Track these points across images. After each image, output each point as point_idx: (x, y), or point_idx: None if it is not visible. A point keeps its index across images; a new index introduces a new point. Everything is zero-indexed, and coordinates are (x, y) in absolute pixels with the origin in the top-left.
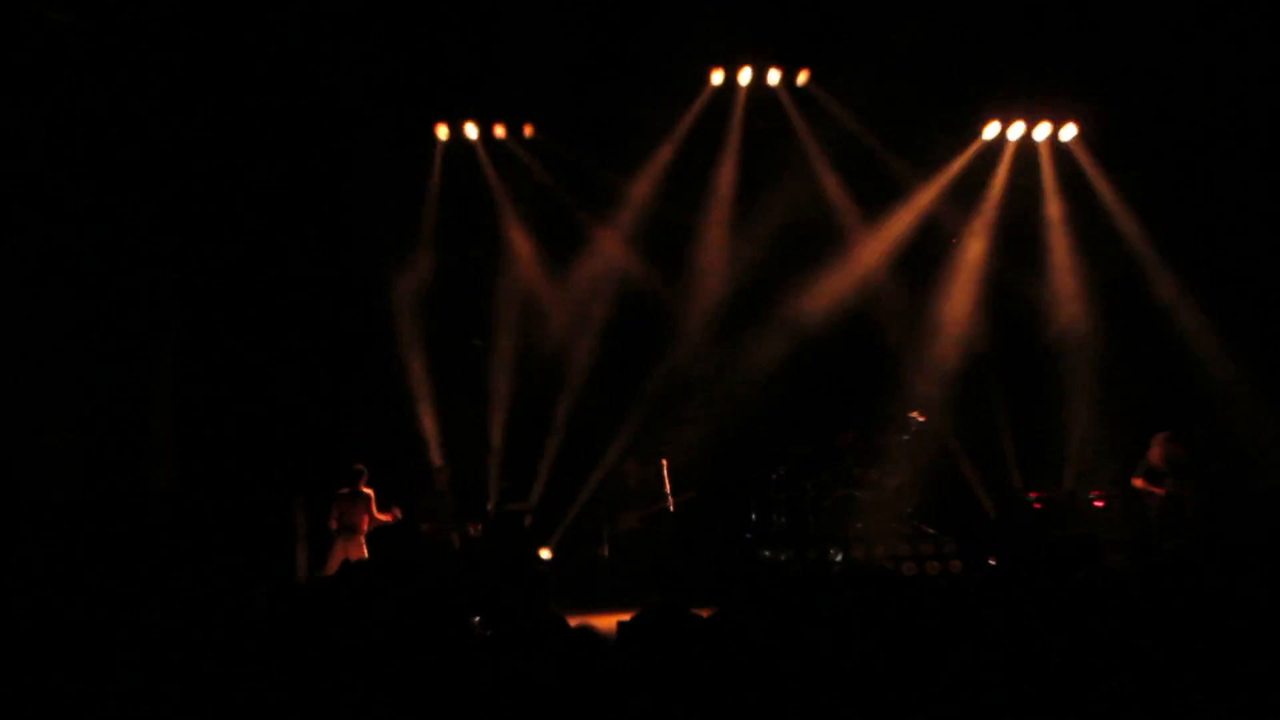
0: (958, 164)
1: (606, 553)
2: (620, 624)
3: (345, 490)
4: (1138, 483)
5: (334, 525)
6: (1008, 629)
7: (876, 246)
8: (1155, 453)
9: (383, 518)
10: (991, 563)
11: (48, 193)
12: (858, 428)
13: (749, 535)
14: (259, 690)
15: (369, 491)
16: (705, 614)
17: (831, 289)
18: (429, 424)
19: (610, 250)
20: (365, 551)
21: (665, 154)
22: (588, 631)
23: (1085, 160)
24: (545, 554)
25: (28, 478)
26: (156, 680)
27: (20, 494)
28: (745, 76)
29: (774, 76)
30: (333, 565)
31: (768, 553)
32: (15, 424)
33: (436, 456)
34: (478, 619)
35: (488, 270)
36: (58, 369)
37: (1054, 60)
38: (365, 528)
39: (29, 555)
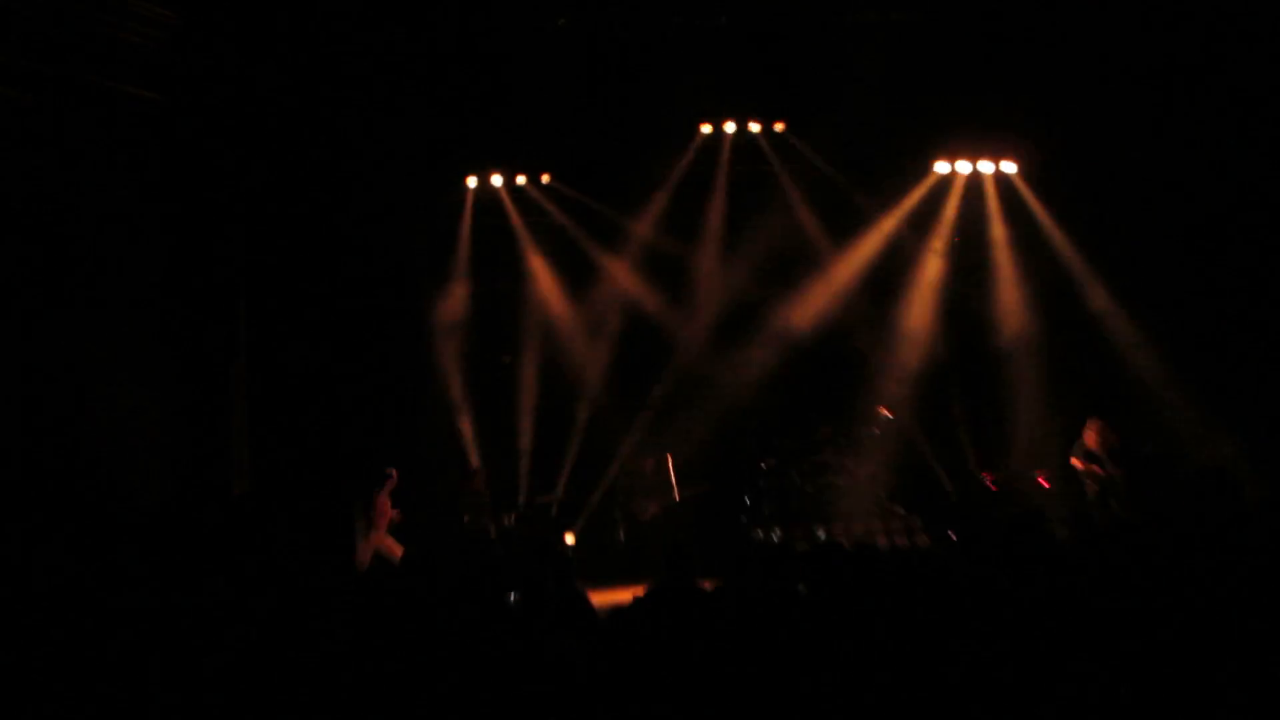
0: (915, 196)
1: (622, 536)
2: (635, 597)
3: (380, 491)
4: (1075, 463)
5: (377, 521)
6: (971, 591)
7: (847, 268)
8: (1090, 437)
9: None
10: (952, 536)
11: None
12: (833, 422)
13: (743, 518)
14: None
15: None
16: (709, 586)
17: (810, 305)
18: (467, 430)
19: (619, 278)
20: (393, 543)
21: (663, 195)
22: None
23: (1024, 190)
24: (569, 539)
25: (123, 482)
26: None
27: (116, 496)
28: (730, 128)
29: (755, 127)
30: (366, 557)
31: (759, 532)
32: (114, 434)
33: (474, 458)
34: (513, 595)
35: (514, 297)
36: (151, 387)
37: (994, 109)
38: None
39: (126, 553)
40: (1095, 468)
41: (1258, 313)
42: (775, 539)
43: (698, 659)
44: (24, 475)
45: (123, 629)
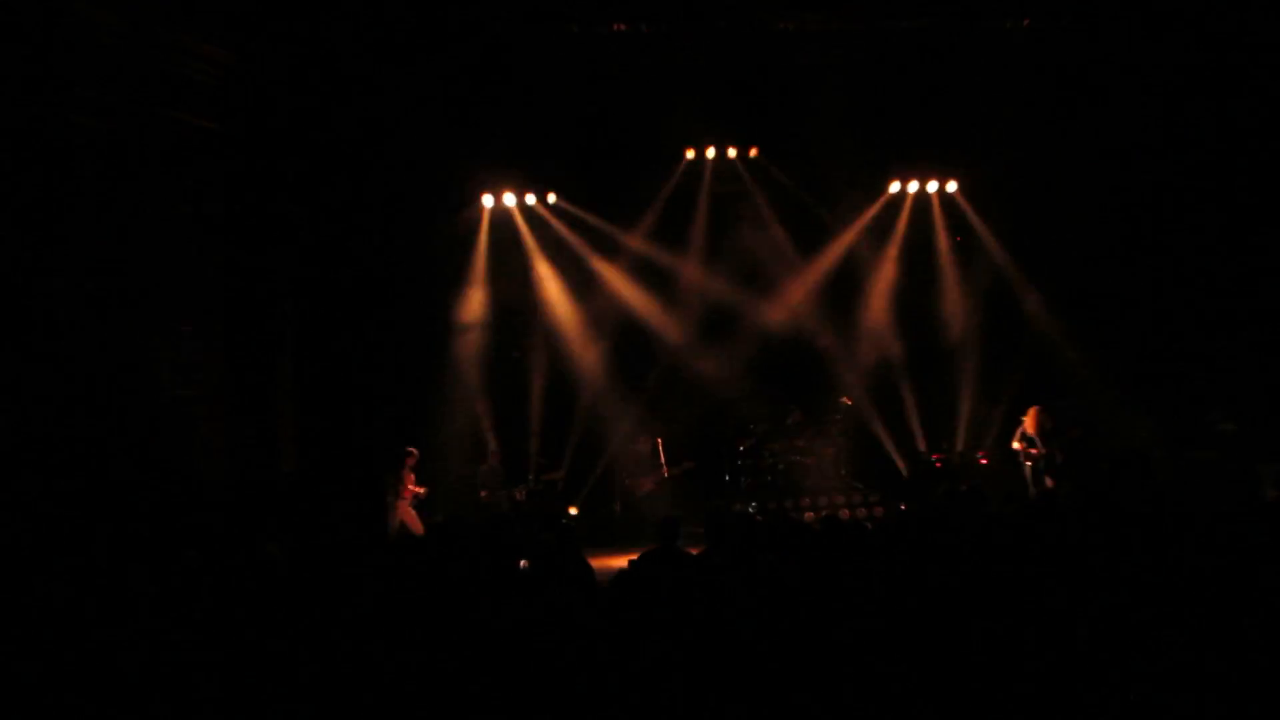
0: (871, 212)
1: (619, 509)
2: (630, 561)
3: (403, 468)
4: (1016, 445)
5: (404, 494)
6: (920, 553)
7: (813, 274)
8: (1029, 422)
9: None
10: (903, 508)
11: (206, 236)
12: (801, 408)
13: (719, 494)
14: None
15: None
16: (694, 552)
17: (780, 307)
18: (484, 415)
19: (615, 283)
20: (414, 517)
21: (653, 211)
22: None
23: (966, 206)
24: (573, 511)
25: (185, 460)
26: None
27: (179, 473)
28: (711, 153)
29: (732, 152)
30: (393, 525)
31: (737, 505)
32: (178, 419)
33: (490, 440)
34: (523, 561)
35: (524, 300)
36: (210, 378)
37: (938, 135)
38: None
39: (188, 525)
40: (1031, 449)
41: (1171, 310)
42: (751, 511)
43: (686, 613)
44: (99, 453)
45: (190, 591)
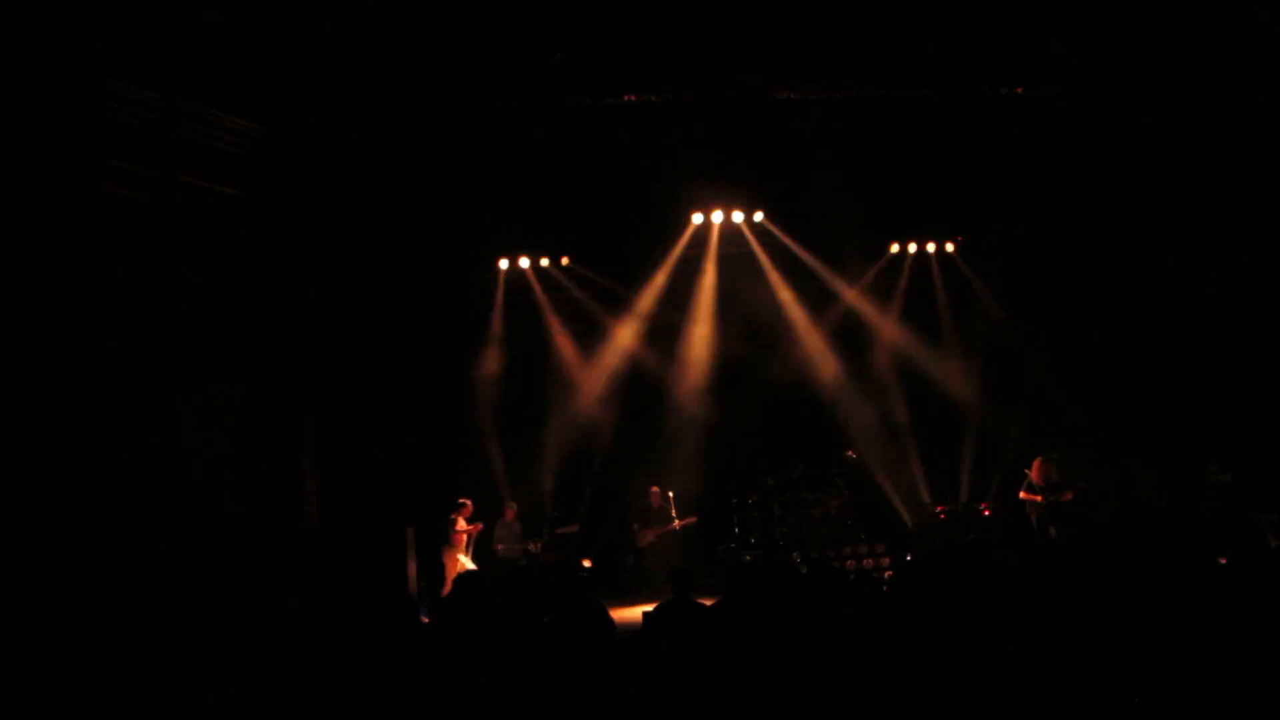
0: (873, 272)
1: (631, 561)
2: (644, 613)
3: (456, 515)
4: (1023, 495)
5: (455, 541)
6: (928, 602)
7: (816, 333)
8: (1035, 473)
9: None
10: (909, 559)
11: (235, 298)
12: (805, 461)
13: (731, 545)
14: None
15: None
16: (708, 603)
17: (786, 364)
18: (500, 471)
19: (626, 342)
20: (461, 566)
21: (663, 273)
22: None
23: (963, 265)
24: (586, 564)
25: (213, 522)
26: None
27: (205, 534)
28: (718, 217)
29: (738, 216)
30: (451, 573)
31: (747, 557)
32: (203, 478)
33: (506, 495)
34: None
35: (538, 359)
36: (236, 436)
37: (936, 199)
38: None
39: (212, 571)
40: (1037, 498)
41: (1168, 364)
42: (760, 563)
43: (702, 662)
44: (127, 512)
45: (207, 638)
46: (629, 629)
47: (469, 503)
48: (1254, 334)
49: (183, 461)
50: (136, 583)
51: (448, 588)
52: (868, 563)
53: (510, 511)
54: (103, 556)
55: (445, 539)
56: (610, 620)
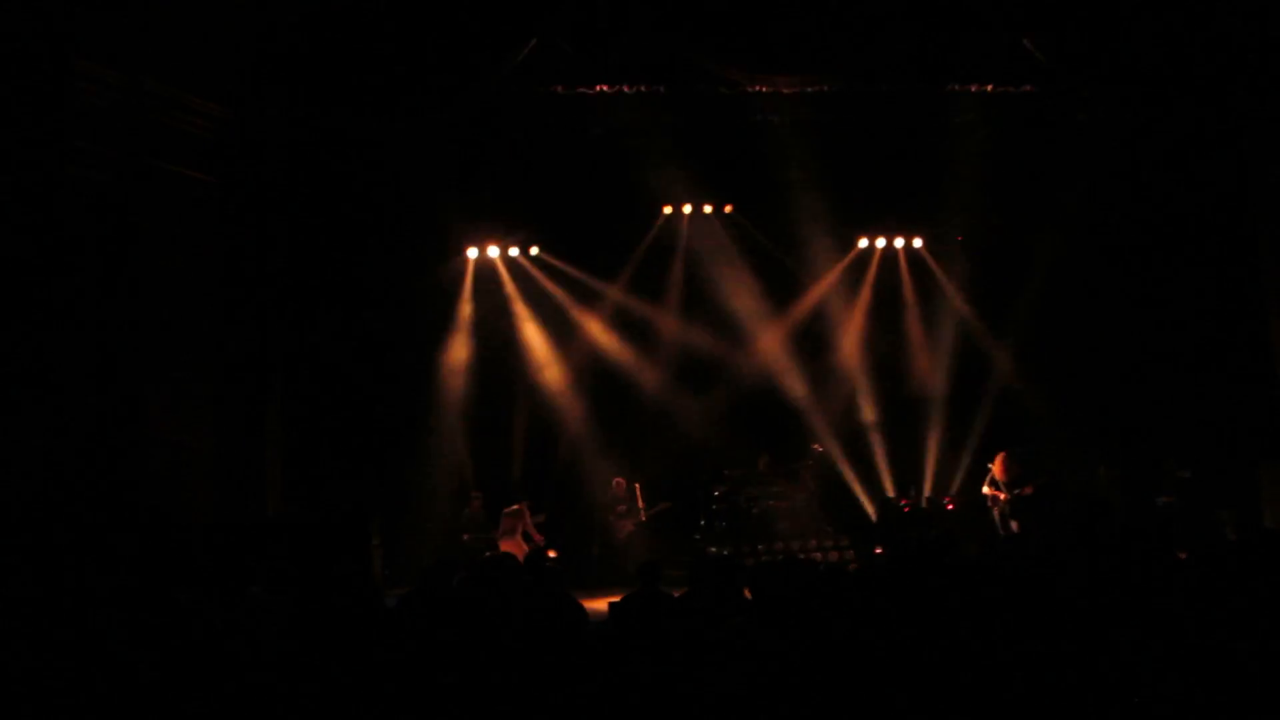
0: (840, 266)
1: (597, 551)
2: (611, 603)
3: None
4: (985, 490)
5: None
6: (894, 596)
7: (784, 326)
8: (996, 468)
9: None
10: (878, 552)
11: (200, 283)
12: (770, 454)
13: (697, 536)
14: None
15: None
16: (677, 594)
17: (753, 357)
18: (466, 460)
19: (594, 333)
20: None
21: (633, 264)
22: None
23: (930, 260)
24: (552, 554)
25: (175, 507)
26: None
27: (165, 517)
28: (688, 209)
29: (708, 209)
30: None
31: (713, 549)
32: (166, 463)
33: (473, 484)
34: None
35: (507, 348)
36: (202, 423)
37: (904, 194)
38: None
39: (175, 560)
40: (1000, 494)
41: (1129, 360)
42: (726, 554)
43: (671, 656)
44: (90, 496)
45: (168, 628)
46: (595, 619)
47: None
48: (1215, 333)
49: (146, 449)
50: (98, 571)
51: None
52: (833, 555)
53: (477, 501)
54: (65, 544)
55: (510, 532)
56: (582, 611)
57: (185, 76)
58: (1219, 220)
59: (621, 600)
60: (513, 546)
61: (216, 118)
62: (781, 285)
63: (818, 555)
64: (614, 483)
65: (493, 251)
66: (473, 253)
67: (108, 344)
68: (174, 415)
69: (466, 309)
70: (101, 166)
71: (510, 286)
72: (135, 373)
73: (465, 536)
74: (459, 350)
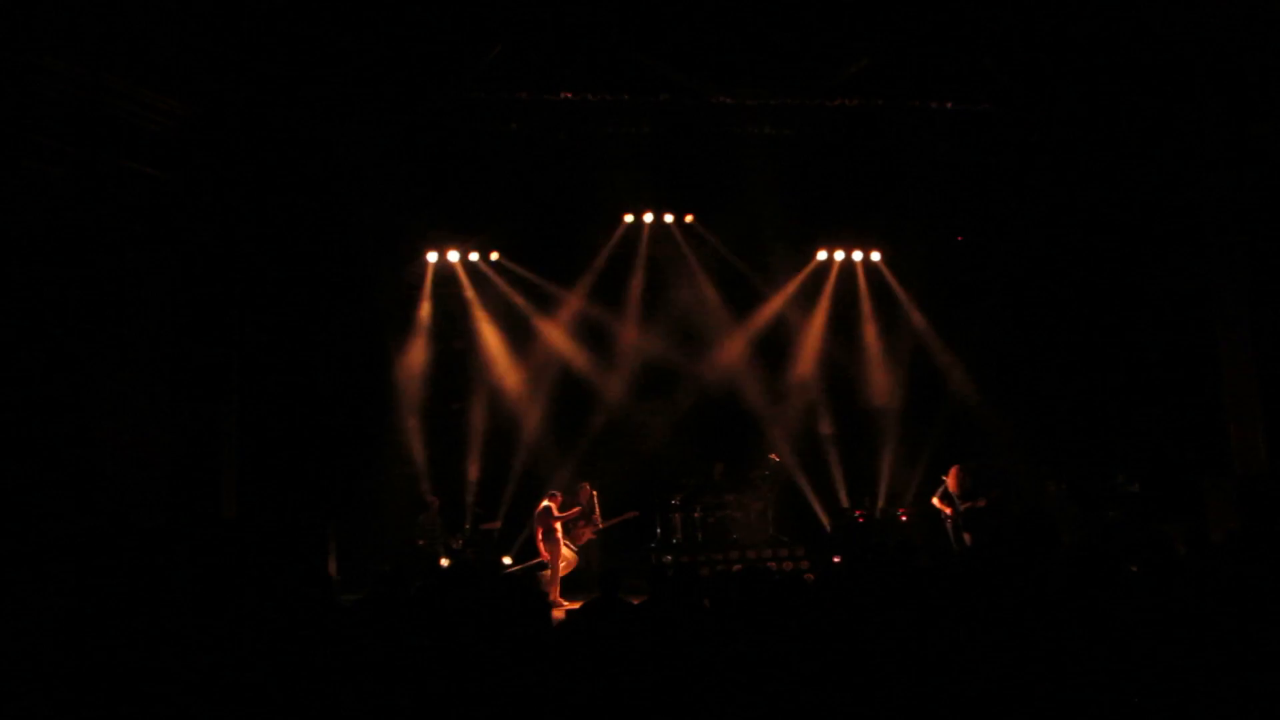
0: (799, 278)
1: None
2: (569, 611)
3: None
4: (937, 502)
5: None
6: (847, 603)
7: (743, 335)
8: (950, 480)
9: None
10: (836, 560)
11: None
12: (724, 463)
13: (653, 545)
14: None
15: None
16: (636, 601)
17: (711, 366)
18: (422, 466)
19: (553, 339)
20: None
21: (593, 272)
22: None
23: (887, 274)
24: (507, 560)
25: (124, 506)
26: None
27: (119, 520)
28: (649, 218)
29: (669, 218)
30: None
31: (668, 557)
32: (116, 462)
33: (428, 490)
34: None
35: (465, 354)
36: (156, 422)
37: (863, 207)
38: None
39: (126, 564)
40: (952, 507)
41: (1080, 376)
42: (683, 564)
43: (631, 663)
44: (36, 496)
45: (122, 635)
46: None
47: (559, 494)
48: (1163, 351)
49: (97, 450)
50: (49, 572)
51: (561, 574)
52: (787, 565)
53: (434, 506)
54: (15, 545)
55: (547, 532)
56: (548, 618)
57: (145, 72)
58: (1169, 241)
59: (581, 608)
60: (556, 548)
61: (176, 115)
62: (741, 295)
63: (772, 564)
64: (582, 487)
65: (453, 256)
66: (432, 256)
67: (59, 341)
68: (127, 416)
69: (425, 313)
70: (58, 162)
71: (470, 291)
72: (87, 372)
73: (420, 542)
74: (417, 354)
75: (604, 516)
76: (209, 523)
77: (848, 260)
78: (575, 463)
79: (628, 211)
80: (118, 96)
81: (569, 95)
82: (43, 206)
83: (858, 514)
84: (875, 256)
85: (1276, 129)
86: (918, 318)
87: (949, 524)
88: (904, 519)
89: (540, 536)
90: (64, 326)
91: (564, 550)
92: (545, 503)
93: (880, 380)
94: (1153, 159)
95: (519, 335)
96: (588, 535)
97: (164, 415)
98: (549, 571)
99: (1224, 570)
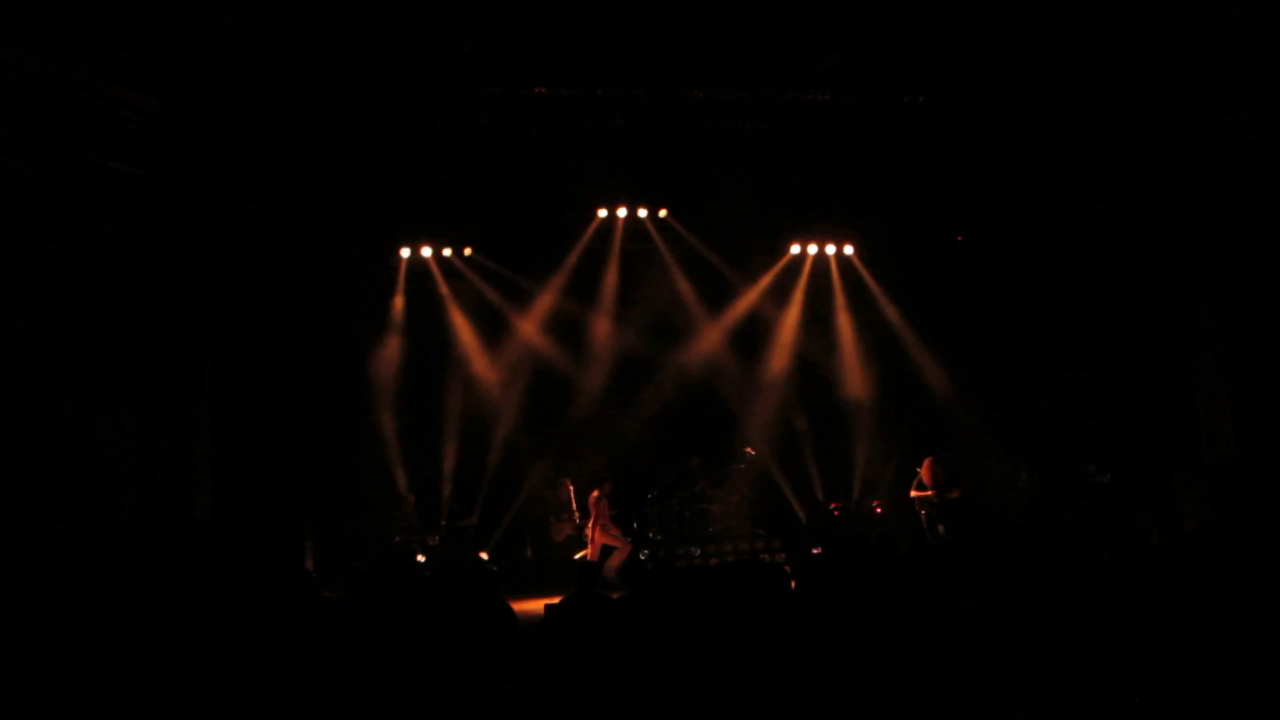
0: (773, 272)
1: (530, 554)
2: (546, 605)
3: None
4: (913, 493)
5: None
6: (828, 593)
7: (717, 330)
8: (924, 472)
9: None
10: (816, 552)
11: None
12: (701, 456)
13: (631, 539)
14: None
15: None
16: (615, 596)
17: (687, 360)
18: (398, 462)
19: (528, 335)
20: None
21: (566, 267)
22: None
23: (861, 268)
24: (483, 556)
25: (98, 500)
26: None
27: (88, 520)
28: (622, 212)
29: (643, 212)
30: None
31: (645, 552)
32: (89, 460)
33: (404, 486)
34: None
35: (439, 350)
36: (129, 422)
37: (836, 201)
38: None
39: (99, 565)
40: (928, 495)
41: (1052, 368)
42: (660, 557)
43: (608, 652)
44: (7, 493)
45: (93, 637)
46: (529, 621)
47: (609, 481)
48: (1133, 342)
49: (68, 449)
50: (19, 576)
51: (619, 560)
52: (764, 558)
53: (409, 502)
54: None
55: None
56: (512, 613)
57: (114, 67)
58: (1137, 234)
59: (559, 602)
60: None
61: (145, 109)
62: (715, 289)
63: (765, 557)
64: (564, 484)
65: (426, 251)
66: (406, 252)
67: (27, 339)
68: (98, 415)
69: (399, 308)
70: (25, 156)
71: (443, 286)
72: (56, 371)
73: (396, 539)
74: (391, 350)
75: (581, 512)
76: (183, 523)
77: (821, 254)
78: (552, 458)
79: (601, 206)
80: (83, 89)
81: (542, 90)
82: (10, 203)
83: (833, 506)
84: (848, 250)
85: (1244, 120)
86: (891, 311)
87: (924, 515)
88: (879, 511)
89: (596, 523)
90: (32, 325)
91: (603, 536)
92: (596, 491)
93: (854, 373)
94: (1121, 152)
95: (494, 330)
96: (566, 531)
97: (136, 414)
98: (615, 558)
99: (1197, 558)
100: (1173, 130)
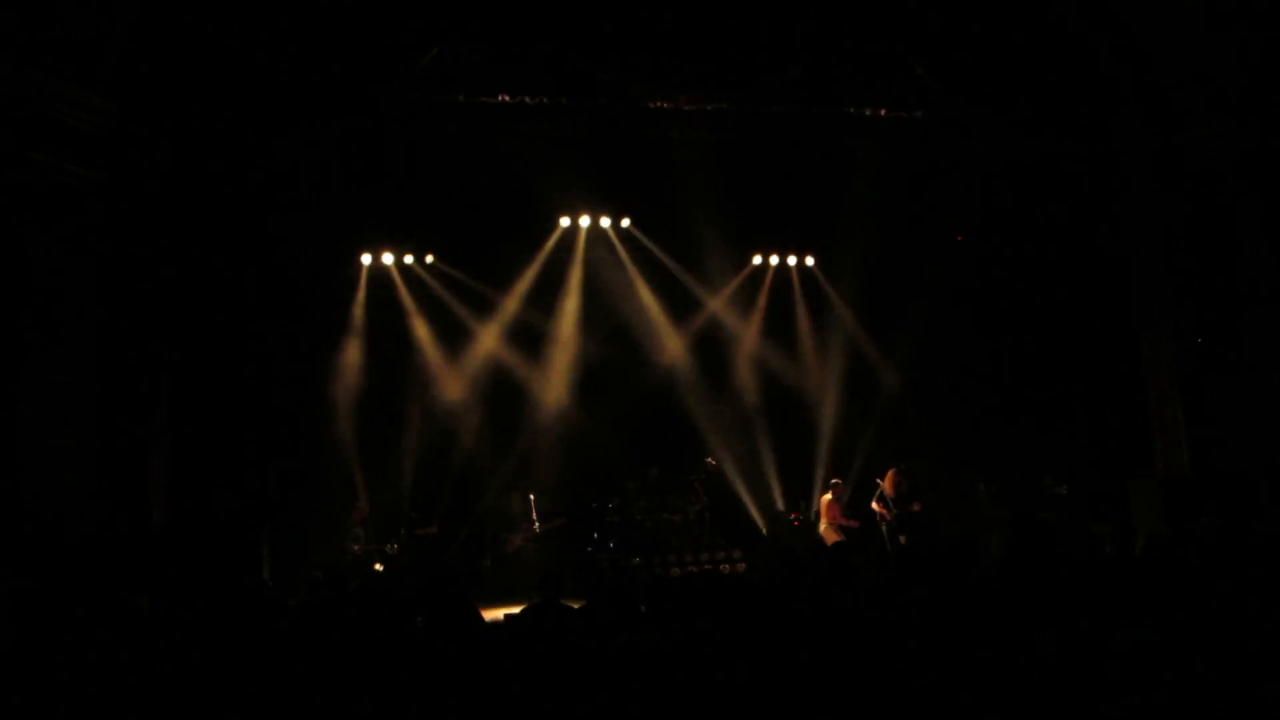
0: (735, 282)
1: (489, 564)
2: (506, 615)
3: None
4: (874, 505)
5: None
6: (783, 604)
7: (680, 339)
8: (886, 484)
9: None
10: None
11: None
12: (660, 466)
13: (590, 549)
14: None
15: None
16: (576, 605)
17: (648, 370)
18: (357, 470)
19: (489, 343)
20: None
21: (529, 275)
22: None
23: (821, 277)
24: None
25: (54, 509)
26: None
27: (43, 527)
28: (585, 221)
29: (605, 221)
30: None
31: (606, 562)
32: (43, 467)
33: (364, 494)
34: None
35: (400, 357)
36: (84, 430)
37: (797, 212)
38: None
39: (56, 572)
40: (888, 510)
41: (1009, 380)
42: (620, 567)
43: (568, 662)
44: None
45: (51, 643)
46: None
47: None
48: (1089, 355)
49: (21, 455)
50: None
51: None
52: (724, 568)
53: (359, 510)
54: None
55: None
56: (480, 619)
57: (73, 69)
58: (1096, 246)
59: (520, 612)
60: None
61: (104, 113)
62: (677, 299)
63: (709, 567)
64: (511, 496)
65: (387, 258)
66: (366, 259)
67: None
68: (52, 421)
69: (359, 315)
70: None
71: (404, 294)
72: (9, 374)
73: (355, 547)
74: (351, 357)
75: (541, 520)
76: (139, 530)
77: (783, 264)
78: (512, 466)
79: (564, 215)
80: (43, 92)
81: (506, 98)
82: None
83: (793, 517)
84: (809, 261)
85: (1196, 137)
86: (851, 322)
87: (884, 527)
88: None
89: (830, 524)
90: None
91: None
92: (829, 495)
93: (814, 383)
94: (1079, 166)
95: (455, 338)
96: (516, 542)
97: (92, 420)
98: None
99: (1151, 569)
100: (1129, 147)
